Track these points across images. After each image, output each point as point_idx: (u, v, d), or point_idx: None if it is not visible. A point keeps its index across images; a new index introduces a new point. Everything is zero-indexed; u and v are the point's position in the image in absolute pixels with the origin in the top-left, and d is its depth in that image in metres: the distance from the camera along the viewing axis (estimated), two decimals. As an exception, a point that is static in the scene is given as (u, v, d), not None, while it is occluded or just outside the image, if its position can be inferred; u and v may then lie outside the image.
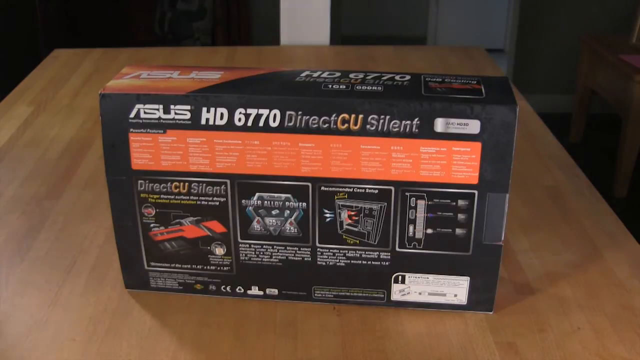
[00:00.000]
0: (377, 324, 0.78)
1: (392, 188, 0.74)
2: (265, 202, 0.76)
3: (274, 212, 0.76)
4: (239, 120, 0.73)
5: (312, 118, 0.72)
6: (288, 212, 0.76)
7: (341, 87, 0.73)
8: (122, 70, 0.78)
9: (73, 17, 3.21)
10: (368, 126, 0.71)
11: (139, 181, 0.76)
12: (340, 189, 0.74)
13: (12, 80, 1.53)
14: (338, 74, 0.76)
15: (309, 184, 0.75)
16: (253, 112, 0.72)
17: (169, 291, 0.82)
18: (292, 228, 0.77)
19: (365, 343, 0.75)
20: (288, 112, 0.72)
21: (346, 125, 0.72)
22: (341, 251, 0.77)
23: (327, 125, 0.72)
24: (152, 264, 0.81)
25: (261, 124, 0.73)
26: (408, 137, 0.71)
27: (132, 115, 0.74)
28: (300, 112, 0.72)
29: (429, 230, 0.75)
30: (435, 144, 0.71)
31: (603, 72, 2.92)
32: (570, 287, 0.84)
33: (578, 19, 3.45)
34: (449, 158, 0.72)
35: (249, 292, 0.81)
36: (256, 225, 0.77)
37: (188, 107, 0.73)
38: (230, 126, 0.73)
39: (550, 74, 3.56)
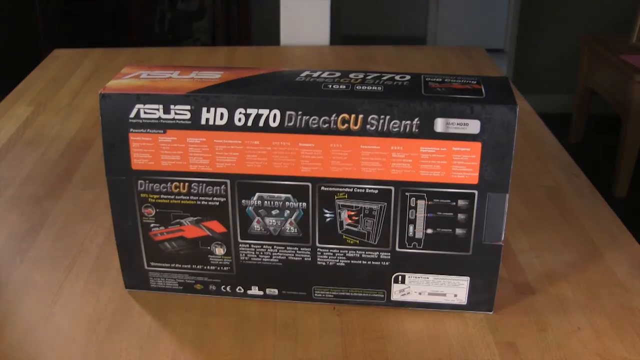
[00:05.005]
0: (377, 324, 0.78)
1: (392, 188, 0.74)
2: (265, 202, 0.76)
3: (274, 212, 0.76)
4: (239, 120, 0.73)
5: (312, 118, 0.72)
6: (288, 212, 0.76)
7: (341, 87, 0.73)
8: (122, 70, 0.78)
9: (73, 17, 3.21)
10: (368, 126, 0.71)
11: (139, 181, 0.76)
12: (340, 189, 0.74)
13: (12, 80, 1.53)
14: (338, 74, 0.76)
15: (309, 184, 0.75)
16: (253, 112, 0.72)
17: (169, 291, 0.82)
18: (292, 228, 0.77)
19: (365, 343, 0.75)
20: (288, 112, 0.72)
21: (346, 125, 0.72)
22: (341, 251, 0.77)
23: (327, 125, 0.72)
24: (152, 264, 0.81)
25: (261, 124, 0.73)
26: (408, 137, 0.71)
27: (132, 115, 0.74)
28: (300, 112, 0.72)
29: (429, 230, 0.75)
30: (435, 144, 0.71)
31: (603, 72, 2.92)
32: (570, 287, 0.84)
33: (578, 19, 3.45)
34: (449, 158, 0.72)
35: (249, 292, 0.81)
36: (256, 225, 0.77)
37: (188, 107, 0.73)
38: (230, 126, 0.73)
39: (550, 74, 3.56)
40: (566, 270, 0.87)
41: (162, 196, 0.77)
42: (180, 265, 0.80)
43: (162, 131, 0.74)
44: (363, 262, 0.78)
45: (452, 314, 0.79)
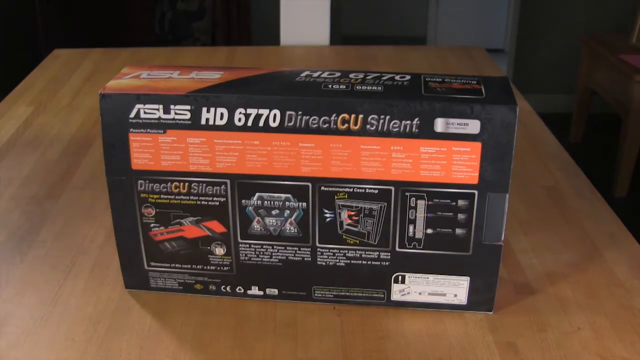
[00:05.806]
0: (377, 324, 0.78)
1: (392, 188, 0.74)
2: (265, 202, 0.76)
3: (274, 212, 0.76)
4: (239, 120, 0.73)
5: (312, 118, 0.72)
6: (288, 212, 0.76)
7: (341, 87, 0.73)
8: (122, 70, 0.78)
9: (73, 17, 3.21)
10: (368, 126, 0.71)
11: (139, 181, 0.76)
12: (340, 189, 0.74)
13: (12, 80, 1.52)
14: (338, 74, 0.76)
15: (309, 184, 0.75)
16: (253, 112, 0.72)
17: (169, 291, 0.82)
18: (292, 228, 0.77)
19: (365, 343, 0.75)
20: (288, 112, 0.72)
21: (346, 125, 0.72)
22: (341, 251, 0.77)
23: (327, 125, 0.72)
24: (152, 264, 0.81)
25: (261, 124, 0.73)
26: (408, 137, 0.71)
27: (132, 115, 0.74)
28: (300, 112, 0.72)
29: (429, 230, 0.75)
30: (435, 144, 0.71)
31: (603, 72, 2.92)
32: (570, 287, 0.84)
33: (578, 19, 3.45)
34: (449, 158, 0.72)
35: (249, 292, 0.81)
36: (256, 225, 0.77)
37: (188, 107, 0.73)
38: (230, 126, 0.73)
39: (550, 74, 3.56)
40: (566, 270, 0.87)
41: (162, 196, 0.77)
42: (180, 265, 0.80)
43: (162, 131, 0.74)
44: (363, 262, 0.78)
45: (452, 314, 0.79)
